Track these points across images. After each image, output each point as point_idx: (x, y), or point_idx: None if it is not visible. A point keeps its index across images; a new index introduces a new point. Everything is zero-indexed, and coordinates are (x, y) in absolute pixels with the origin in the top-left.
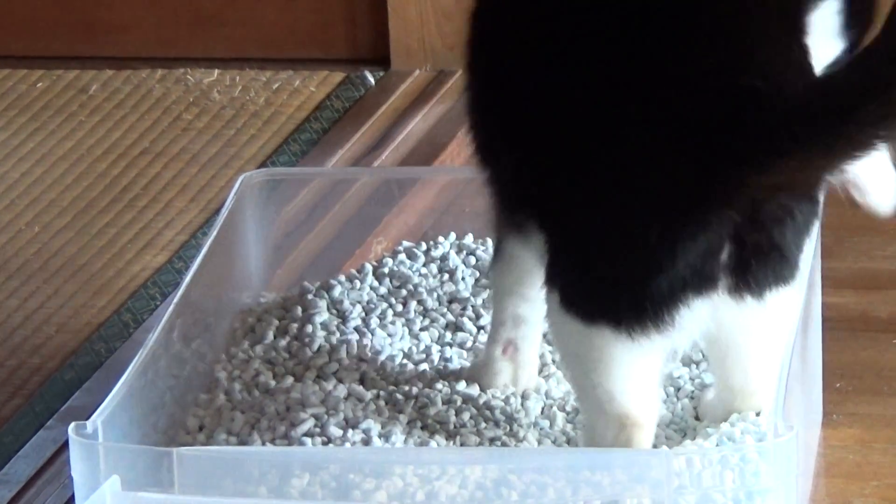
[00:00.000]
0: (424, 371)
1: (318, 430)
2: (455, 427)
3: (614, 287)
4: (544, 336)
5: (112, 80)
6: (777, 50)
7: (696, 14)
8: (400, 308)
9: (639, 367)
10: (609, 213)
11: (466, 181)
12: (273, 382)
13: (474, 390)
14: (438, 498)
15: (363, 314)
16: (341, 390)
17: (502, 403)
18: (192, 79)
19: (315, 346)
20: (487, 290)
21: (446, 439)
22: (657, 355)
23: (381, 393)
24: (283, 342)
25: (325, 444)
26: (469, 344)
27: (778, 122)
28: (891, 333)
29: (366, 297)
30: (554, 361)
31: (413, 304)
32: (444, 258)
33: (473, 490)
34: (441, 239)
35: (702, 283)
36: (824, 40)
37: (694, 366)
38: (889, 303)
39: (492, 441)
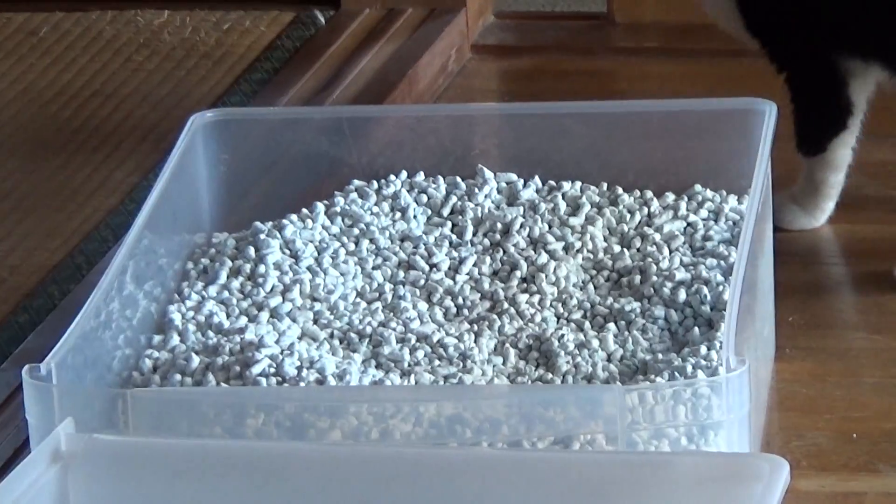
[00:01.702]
0: (377, 309)
1: (272, 370)
2: (409, 365)
3: None
4: (495, 273)
5: (62, 21)
6: None
7: None
8: (352, 247)
9: None
10: None
11: (417, 119)
12: (227, 323)
13: (428, 328)
14: (393, 436)
15: (315, 253)
16: (295, 330)
17: (455, 341)
18: (143, 20)
19: (268, 287)
20: (439, 229)
21: (400, 377)
22: None
23: (335, 332)
24: (236, 283)
25: (279, 384)
26: (422, 282)
27: None
28: (844, 266)
29: (318, 237)
30: (505, 298)
31: (365, 243)
32: (395, 196)
33: (427, 428)
34: (392, 177)
35: None
36: None
37: (646, 300)
38: (841, 235)
39: (446, 379)
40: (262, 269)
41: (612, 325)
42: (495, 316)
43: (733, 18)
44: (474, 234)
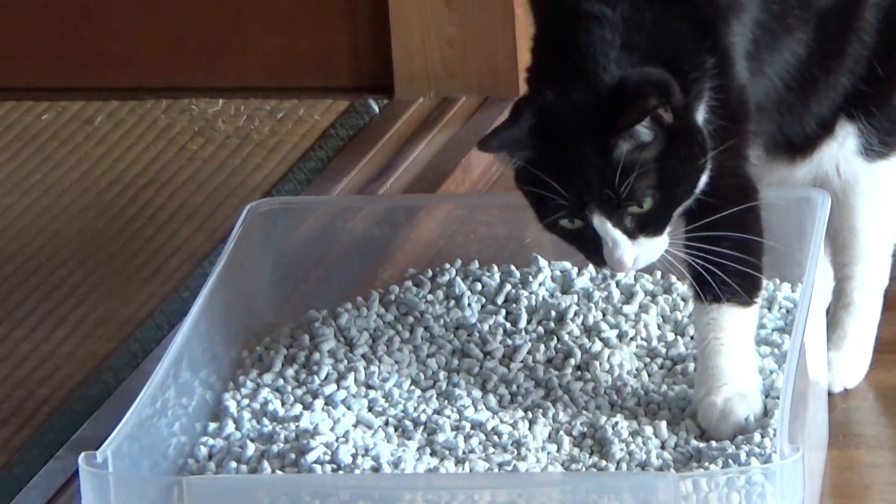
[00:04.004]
0: (432, 397)
1: (327, 457)
2: (464, 453)
3: None
4: (549, 361)
5: (117, 110)
6: None
7: None
8: (407, 335)
9: None
10: None
11: (471, 208)
12: (282, 411)
13: (482, 416)
14: None
15: (370, 341)
16: (350, 418)
17: (510, 428)
18: (197, 108)
19: (323, 374)
20: (493, 317)
21: (455, 465)
22: None
23: (390, 420)
24: (291, 370)
25: (334, 471)
26: (476, 370)
27: None
28: None
29: (373, 325)
30: (559, 385)
31: (420, 331)
32: (449, 284)
33: None
34: (447, 266)
35: None
36: None
37: None
38: (894, 324)
39: (500, 466)
40: (316, 356)
41: (665, 413)
42: (549, 403)
43: None
44: (528, 322)
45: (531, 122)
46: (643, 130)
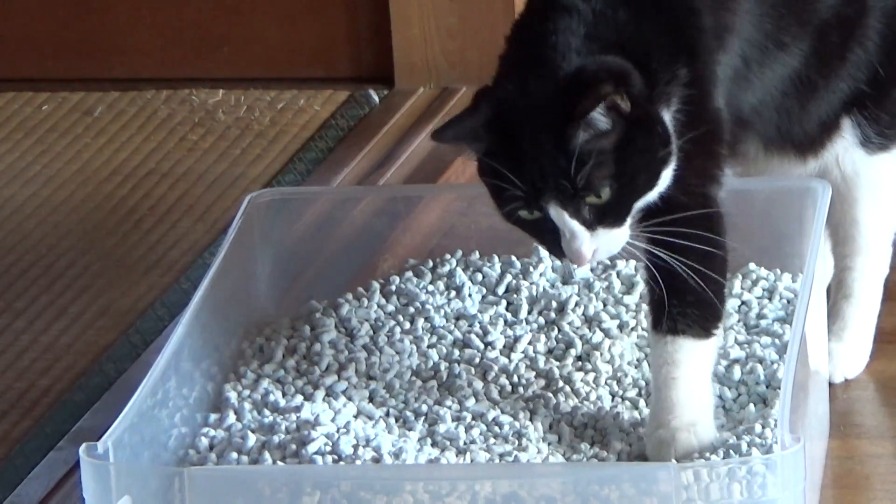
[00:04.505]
0: (433, 388)
1: (328, 448)
2: (465, 444)
3: None
4: (550, 352)
5: (117, 101)
6: None
7: None
8: (407, 325)
9: None
10: None
11: (471, 198)
12: (283, 401)
13: (483, 407)
14: None
15: (371, 332)
16: (351, 408)
17: (511, 419)
18: (197, 99)
19: (324, 365)
20: (494, 307)
21: (456, 455)
22: None
23: (391, 410)
24: (291, 361)
25: (335, 462)
26: (477, 360)
27: None
28: None
29: (373, 315)
30: (560, 376)
31: (420, 322)
32: (450, 275)
33: None
34: (447, 256)
35: None
36: None
37: None
38: (895, 314)
39: (501, 457)
40: (317, 347)
41: None
42: (550, 394)
43: None
44: (529, 313)
45: (487, 113)
46: (600, 118)
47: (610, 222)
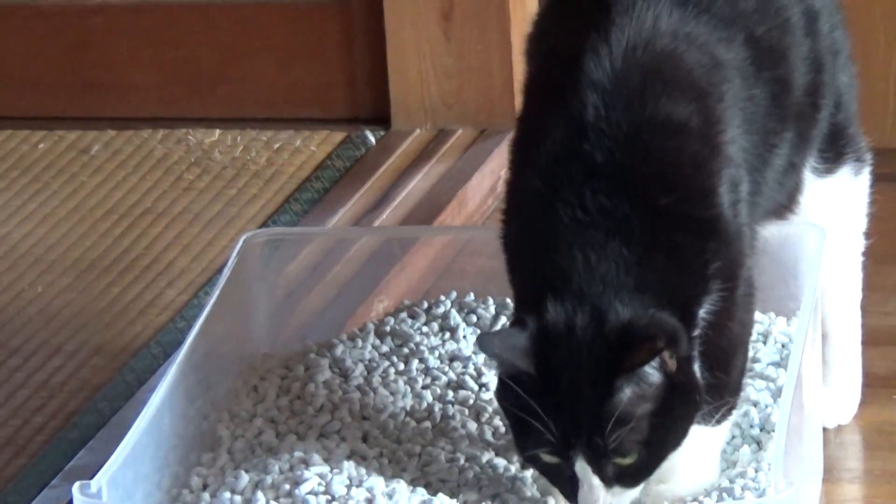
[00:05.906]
0: (427, 429)
1: (321, 488)
2: (458, 485)
3: None
4: None
5: (114, 140)
6: None
7: None
8: (402, 366)
9: None
10: None
11: (467, 240)
12: (276, 441)
13: (477, 448)
14: None
15: (365, 373)
16: (344, 448)
17: (505, 462)
18: (194, 139)
19: (318, 405)
20: None
21: (449, 497)
22: None
23: (384, 451)
24: (285, 401)
25: (329, 502)
26: (471, 402)
27: None
28: (890, 389)
29: (368, 356)
30: None
31: (415, 363)
32: (445, 316)
33: None
34: (442, 297)
35: None
36: None
37: None
38: (888, 358)
39: (493, 498)
40: (311, 387)
41: None
42: None
43: None
44: None
45: (535, 338)
46: (651, 372)
47: (627, 483)
